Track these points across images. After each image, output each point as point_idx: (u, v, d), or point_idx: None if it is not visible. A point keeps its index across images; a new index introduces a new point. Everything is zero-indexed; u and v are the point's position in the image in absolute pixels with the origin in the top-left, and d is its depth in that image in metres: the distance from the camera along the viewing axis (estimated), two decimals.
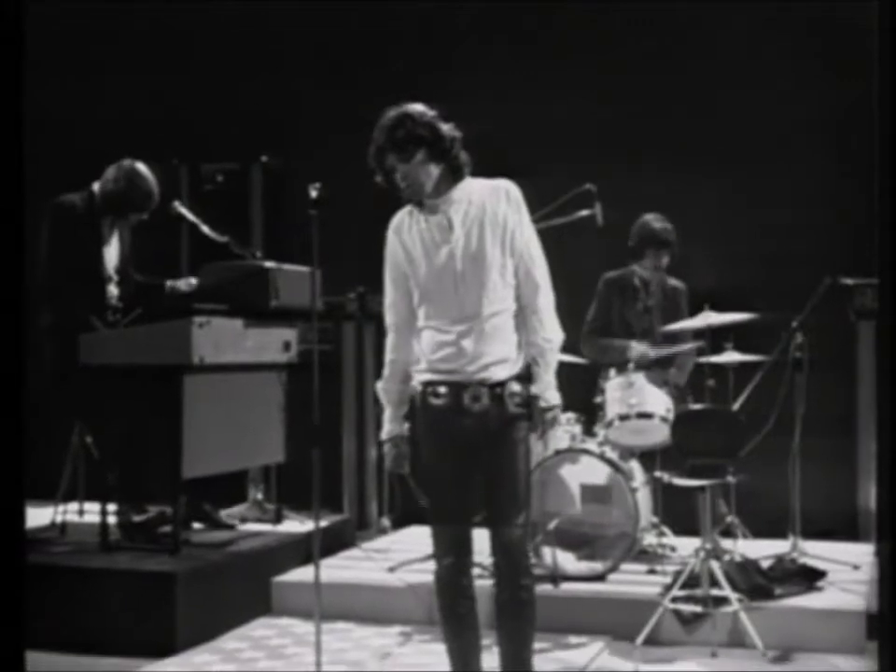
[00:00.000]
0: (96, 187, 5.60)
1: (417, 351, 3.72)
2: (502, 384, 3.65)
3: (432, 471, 3.70)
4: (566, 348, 5.38)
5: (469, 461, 3.67)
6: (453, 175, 3.67)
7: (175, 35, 7.55)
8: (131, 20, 7.62)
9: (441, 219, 3.66)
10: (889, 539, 2.90)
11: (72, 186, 5.74)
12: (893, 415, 2.86)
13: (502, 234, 3.66)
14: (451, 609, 3.73)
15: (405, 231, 3.71)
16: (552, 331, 3.75)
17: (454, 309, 3.63)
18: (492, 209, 3.67)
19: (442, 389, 3.64)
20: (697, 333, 5.66)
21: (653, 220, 5.80)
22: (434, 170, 3.63)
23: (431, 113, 3.64)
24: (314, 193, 4.08)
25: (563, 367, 5.13)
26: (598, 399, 5.67)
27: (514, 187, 3.72)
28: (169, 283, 5.70)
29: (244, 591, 5.31)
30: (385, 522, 6.65)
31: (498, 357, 3.65)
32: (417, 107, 3.64)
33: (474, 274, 3.63)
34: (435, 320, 3.65)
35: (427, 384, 3.67)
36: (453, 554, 3.68)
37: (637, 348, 5.73)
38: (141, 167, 5.55)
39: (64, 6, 7.50)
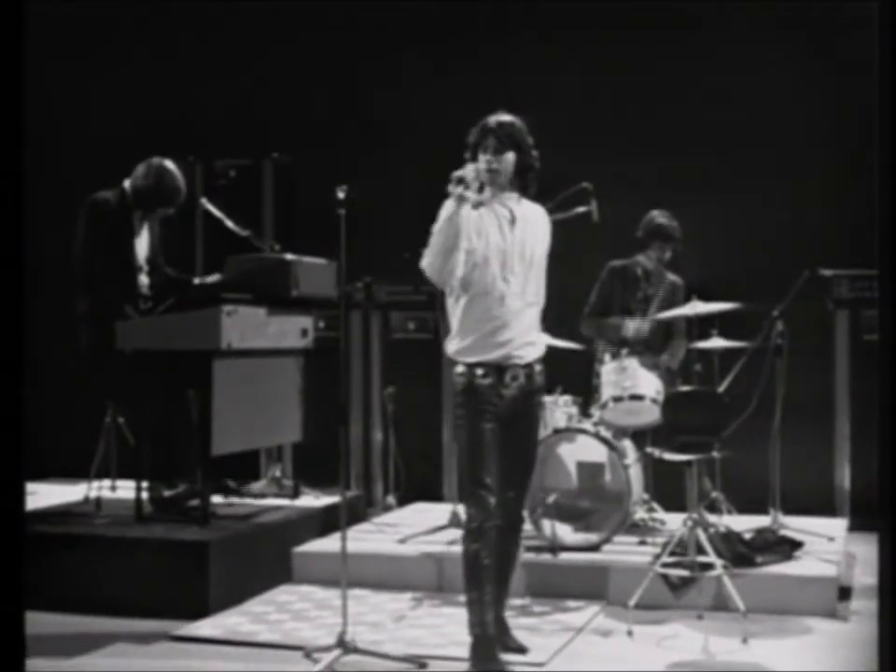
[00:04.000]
0: (127, 184, 5.85)
1: (461, 323, 4.20)
2: (531, 364, 4.22)
3: (477, 441, 4.14)
4: (563, 335, 5.79)
5: (500, 432, 4.18)
6: (520, 191, 4.25)
7: (189, 35, 7.76)
8: (146, 19, 7.81)
9: (505, 211, 4.20)
10: (889, 517, 3.13)
11: (95, 181, 5.96)
12: (893, 395, 2.96)
13: (544, 250, 4.27)
14: (477, 562, 4.15)
15: (465, 211, 4.10)
16: None
17: (506, 286, 4.14)
18: (541, 229, 4.29)
19: (487, 371, 4.15)
20: (689, 326, 5.96)
21: (660, 216, 6.10)
22: (510, 170, 4.17)
23: (531, 137, 4.22)
24: (341, 195, 4.44)
25: (561, 352, 5.51)
26: (594, 382, 5.96)
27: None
28: (197, 280, 5.99)
29: (267, 559, 5.61)
30: (391, 499, 6.85)
31: (532, 339, 4.23)
32: (522, 124, 4.22)
33: (528, 263, 4.19)
34: (478, 288, 4.14)
35: (471, 365, 4.16)
36: (486, 512, 4.13)
37: (631, 324, 6.04)
38: (169, 164, 5.81)
39: (80, 5, 7.73)
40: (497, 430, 4.18)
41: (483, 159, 4.16)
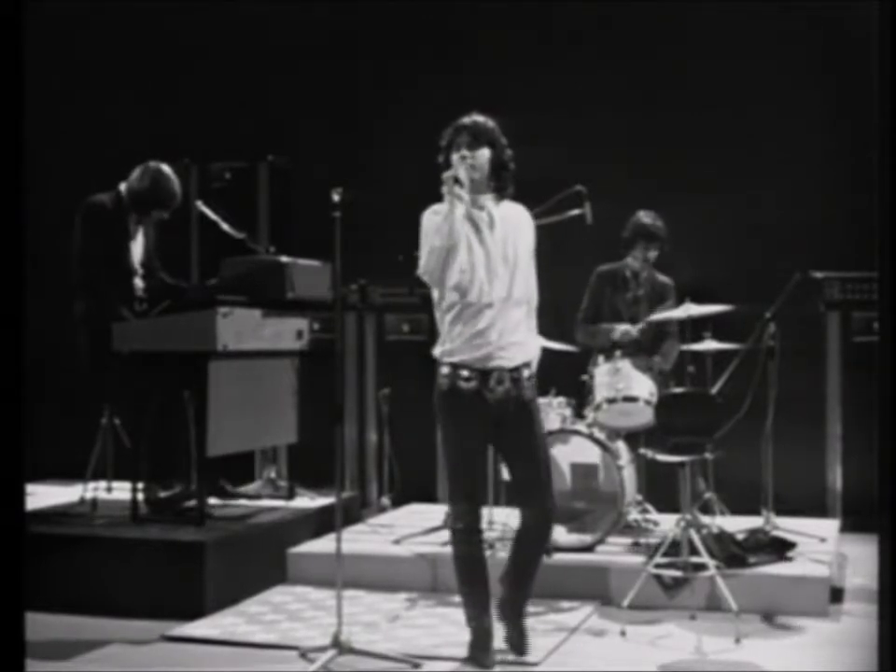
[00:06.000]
0: (123, 187, 5.88)
1: (449, 325, 4.20)
2: (518, 369, 4.20)
3: (460, 446, 4.19)
4: (557, 337, 5.83)
5: (487, 436, 4.22)
6: (496, 192, 4.24)
7: (185, 36, 7.79)
8: (142, 22, 7.84)
9: (483, 214, 4.20)
10: (888, 517, 3.14)
11: (92, 184, 6.01)
12: (893, 397, 2.97)
13: (528, 247, 4.26)
14: (467, 560, 4.23)
15: (459, 212, 4.15)
16: None
17: (489, 288, 4.14)
18: (522, 226, 4.27)
19: (470, 374, 4.15)
20: (681, 328, 5.97)
21: (645, 216, 6.13)
22: (486, 168, 4.18)
23: (504, 138, 4.24)
24: (336, 197, 4.47)
25: (555, 354, 5.53)
26: (587, 384, 5.97)
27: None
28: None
29: (263, 560, 5.64)
30: (385, 501, 6.88)
31: (518, 339, 4.20)
32: (495, 124, 4.24)
33: (512, 264, 4.18)
34: (471, 297, 4.14)
35: (454, 366, 4.16)
36: (472, 512, 4.19)
37: (620, 328, 6.07)
38: (165, 168, 5.84)
39: (75, 8, 7.77)
40: (484, 436, 4.21)
41: (458, 155, 4.17)
